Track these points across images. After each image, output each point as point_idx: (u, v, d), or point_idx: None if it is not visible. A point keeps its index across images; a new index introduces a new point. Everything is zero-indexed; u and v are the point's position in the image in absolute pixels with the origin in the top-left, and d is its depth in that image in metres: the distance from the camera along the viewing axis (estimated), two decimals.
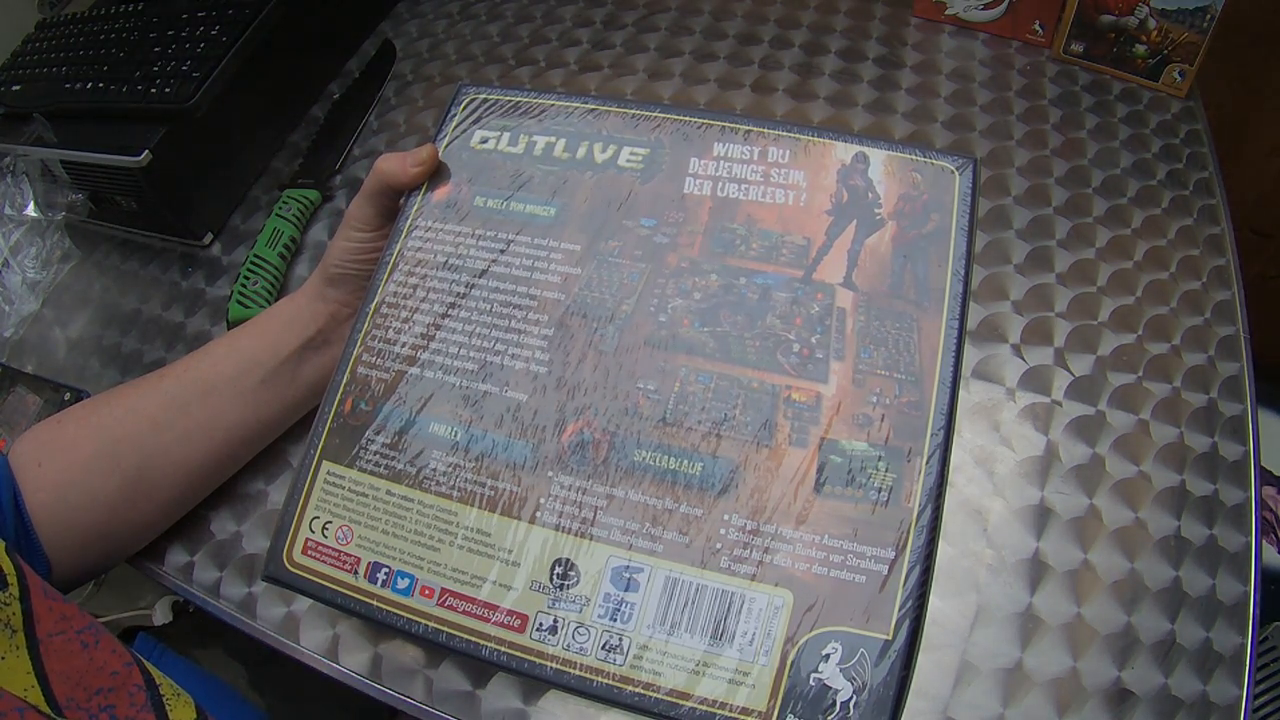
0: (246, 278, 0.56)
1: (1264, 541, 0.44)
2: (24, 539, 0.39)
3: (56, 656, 0.31)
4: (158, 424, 0.43)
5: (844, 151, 0.38)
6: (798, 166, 0.38)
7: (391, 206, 0.42)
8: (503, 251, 0.39)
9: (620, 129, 0.41)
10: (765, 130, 0.39)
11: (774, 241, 0.37)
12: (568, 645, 0.32)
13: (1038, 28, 0.62)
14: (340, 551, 0.35)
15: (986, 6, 0.63)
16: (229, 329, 0.54)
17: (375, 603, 0.34)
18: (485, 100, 0.43)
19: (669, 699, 0.31)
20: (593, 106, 0.41)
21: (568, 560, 0.33)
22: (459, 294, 0.38)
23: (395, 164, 0.40)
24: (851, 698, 0.30)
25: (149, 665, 0.34)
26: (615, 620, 0.32)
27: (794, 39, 0.66)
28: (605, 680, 0.31)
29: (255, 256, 0.57)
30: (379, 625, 0.35)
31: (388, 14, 0.76)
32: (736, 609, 0.31)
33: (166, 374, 0.44)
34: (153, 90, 0.57)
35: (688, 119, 0.40)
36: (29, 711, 0.28)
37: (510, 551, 0.34)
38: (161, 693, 0.33)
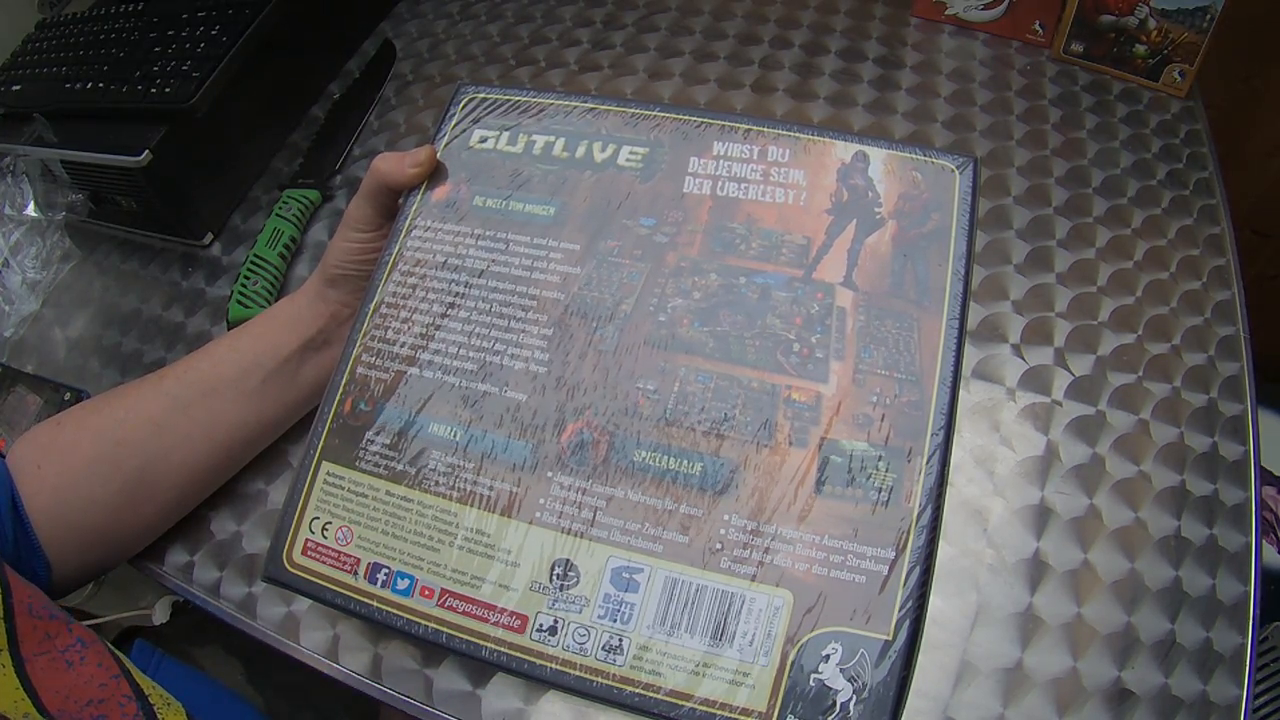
0: (246, 278, 0.56)
1: (1264, 541, 0.44)
2: (23, 541, 0.39)
3: (43, 674, 0.32)
4: (158, 425, 0.42)
5: (844, 150, 0.38)
6: (798, 165, 0.38)
7: (390, 206, 0.42)
8: (502, 251, 0.39)
9: (619, 128, 0.40)
10: (765, 129, 0.39)
11: (774, 241, 0.37)
12: (567, 646, 0.32)
13: (1038, 28, 0.62)
14: (340, 552, 0.35)
15: (986, 6, 0.63)
16: (229, 329, 0.54)
17: (375, 604, 0.34)
18: (484, 100, 0.43)
19: (669, 699, 0.31)
20: (592, 106, 0.41)
21: (567, 561, 0.33)
22: (458, 294, 0.38)
23: (392, 164, 0.40)
24: (851, 698, 0.30)
25: (138, 676, 0.34)
26: (615, 621, 0.32)
27: (794, 39, 0.66)
28: (605, 681, 0.31)
29: (255, 256, 0.57)
30: (379, 626, 0.35)
31: (388, 14, 0.76)
32: (737, 609, 0.31)
33: (166, 375, 0.44)
34: (153, 90, 0.57)
35: (687, 118, 0.40)
36: None
37: (510, 552, 0.34)
38: (151, 701, 0.33)
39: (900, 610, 0.30)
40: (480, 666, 0.42)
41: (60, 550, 0.40)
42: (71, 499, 0.41)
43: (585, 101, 0.42)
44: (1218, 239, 0.53)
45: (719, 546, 0.32)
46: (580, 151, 0.40)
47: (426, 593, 0.34)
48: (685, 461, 0.34)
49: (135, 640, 0.41)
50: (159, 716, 0.33)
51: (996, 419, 0.47)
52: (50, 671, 0.32)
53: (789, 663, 0.30)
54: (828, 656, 0.30)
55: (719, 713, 0.30)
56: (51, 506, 0.40)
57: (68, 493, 0.41)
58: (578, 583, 0.33)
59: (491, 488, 0.35)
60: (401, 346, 0.38)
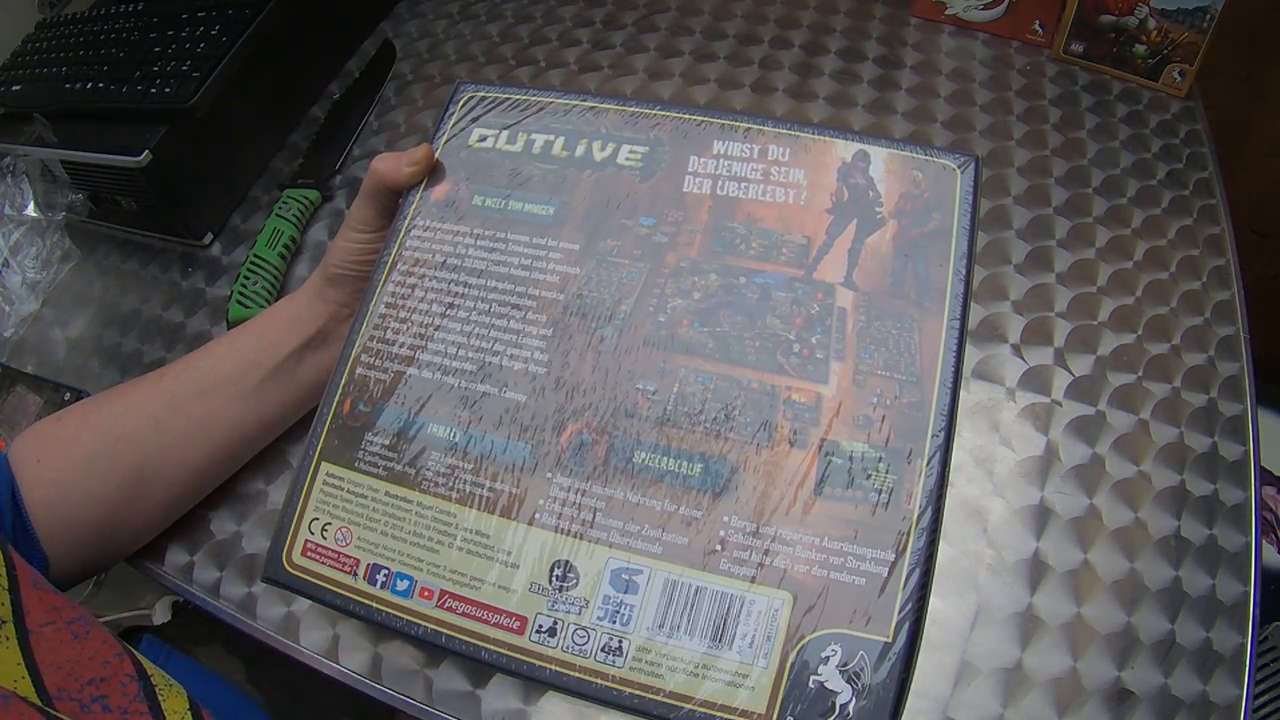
0: (246, 278, 0.56)
1: (1264, 541, 0.44)
2: (21, 535, 0.39)
3: (47, 647, 0.31)
4: (158, 423, 0.43)
5: (845, 149, 0.38)
6: (798, 164, 0.38)
7: (391, 206, 0.42)
8: (501, 251, 0.39)
9: (619, 126, 0.40)
10: (765, 128, 0.39)
11: (774, 240, 0.37)
12: (567, 647, 0.32)
13: (1038, 28, 0.62)
14: (339, 553, 0.35)
15: (986, 6, 0.63)
16: (229, 329, 0.54)
17: (375, 605, 0.34)
18: (483, 98, 0.43)
19: (668, 701, 0.31)
20: (591, 104, 0.41)
21: (566, 562, 0.33)
22: (457, 294, 0.38)
23: (390, 164, 0.40)
24: (851, 700, 0.30)
25: (140, 656, 0.34)
26: (614, 622, 0.32)
27: (794, 39, 0.66)
28: (604, 682, 0.31)
29: (255, 256, 0.57)
30: (378, 627, 0.34)
31: (388, 14, 0.76)
32: (736, 611, 0.31)
33: (166, 373, 0.44)
34: (153, 90, 0.57)
35: (687, 116, 0.40)
36: (14, 700, 0.28)
37: (509, 553, 0.34)
38: (154, 683, 0.33)
39: (900, 612, 0.30)
40: (480, 667, 0.41)
41: (58, 545, 0.40)
42: (70, 494, 0.41)
43: (585, 100, 0.41)
44: (1218, 239, 0.53)
45: (718, 548, 0.32)
46: (580, 150, 0.40)
47: (426, 594, 0.34)
48: (685, 462, 0.34)
49: (144, 637, 0.41)
50: (159, 696, 0.33)
51: (996, 419, 0.47)
52: (56, 644, 0.31)
53: (788, 664, 0.30)
54: (827, 658, 0.30)
55: (718, 714, 0.30)
56: (50, 500, 0.40)
57: (67, 488, 0.41)
58: (577, 584, 0.33)
59: (491, 489, 0.35)
60: (400, 347, 0.38)
